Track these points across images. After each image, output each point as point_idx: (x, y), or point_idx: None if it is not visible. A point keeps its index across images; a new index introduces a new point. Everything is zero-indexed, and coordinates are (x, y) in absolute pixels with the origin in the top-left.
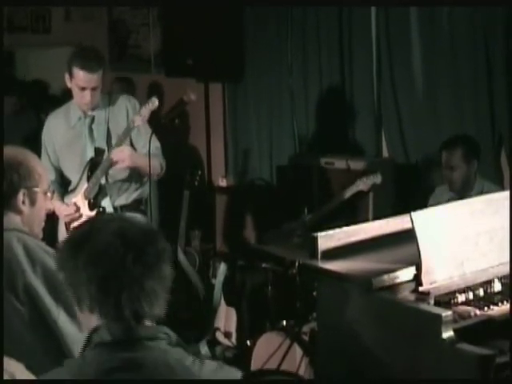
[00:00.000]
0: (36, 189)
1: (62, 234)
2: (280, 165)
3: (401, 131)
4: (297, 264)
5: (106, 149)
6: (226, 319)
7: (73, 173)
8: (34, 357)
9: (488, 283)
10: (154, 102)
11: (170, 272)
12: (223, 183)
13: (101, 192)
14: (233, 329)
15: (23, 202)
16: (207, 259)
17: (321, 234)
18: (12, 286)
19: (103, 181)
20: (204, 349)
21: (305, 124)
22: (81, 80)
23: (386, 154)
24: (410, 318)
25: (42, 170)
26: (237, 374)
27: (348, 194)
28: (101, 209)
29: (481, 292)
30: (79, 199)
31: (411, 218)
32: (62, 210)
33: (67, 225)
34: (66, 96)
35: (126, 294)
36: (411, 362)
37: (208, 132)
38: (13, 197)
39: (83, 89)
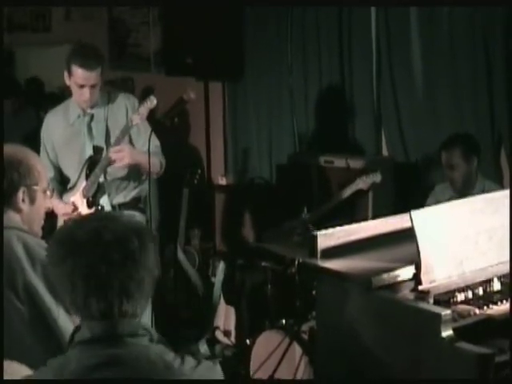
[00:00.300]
0: (36, 187)
1: None
2: (280, 163)
3: (400, 130)
4: (296, 263)
5: (105, 147)
6: (226, 318)
7: (71, 170)
8: (34, 356)
9: (487, 282)
10: (153, 101)
11: (147, 274)
12: (223, 182)
13: (99, 190)
14: (232, 327)
15: (23, 201)
16: (207, 258)
17: (320, 233)
18: (12, 285)
19: (102, 179)
20: (203, 347)
21: (304, 123)
22: (79, 77)
23: (385, 152)
24: (410, 317)
25: (42, 168)
26: (217, 368)
27: (348, 192)
28: (99, 207)
29: (480, 291)
30: (77, 197)
31: (411, 217)
32: (61, 208)
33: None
34: (66, 94)
35: (92, 292)
36: (410, 361)
37: (208, 131)
38: (13, 195)
39: (82, 86)
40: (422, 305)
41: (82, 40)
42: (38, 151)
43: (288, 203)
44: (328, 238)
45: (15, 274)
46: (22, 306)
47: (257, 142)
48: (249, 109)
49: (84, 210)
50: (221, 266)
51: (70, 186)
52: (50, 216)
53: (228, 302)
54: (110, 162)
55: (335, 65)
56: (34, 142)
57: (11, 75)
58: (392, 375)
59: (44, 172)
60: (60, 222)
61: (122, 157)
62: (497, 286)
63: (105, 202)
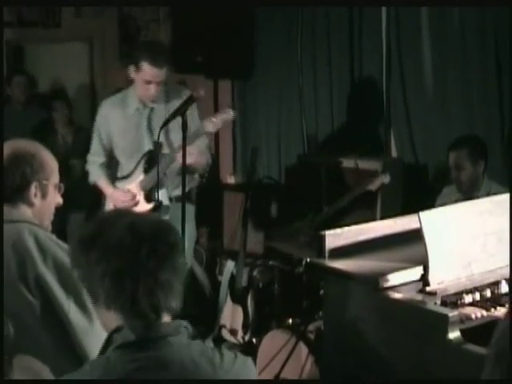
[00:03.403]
0: (47, 182)
1: None
2: (288, 163)
3: (410, 131)
4: (304, 262)
5: (165, 142)
6: (232, 316)
7: (126, 159)
8: (46, 349)
9: (495, 284)
10: (230, 114)
11: (183, 264)
12: (231, 180)
13: (157, 184)
14: (238, 326)
15: (35, 195)
16: (214, 256)
17: (329, 233)
18: (23, 278)
19: (161, 174)
20: (210, 346)
21: (313, 123)
22: (148, 74)
23: (394, 153)
24: (417, 318)
25: (54, 164)
26: (250, 362)
27: (356, 193)
28: (158, 203)
29: (488, 293)
30: (134, 187)
31: (419, 218)
32: (118, 195)
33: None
34: (75, 89)
35: (141, 288)
36: (417, 362)
37: None
38: (25, 189)
39: (149, 82)
40: (430, 306)
41: (93, 37)
42: (49, 145)
43: (296, 203)
44: (336, 237)
45: (26, 268)
46: (34, 299)
47: (266, 141)
48: (258, 108)
49: (142, 202)
50: (228, 265)
51: (124, 174)
52: (61, 211)
53: (235, 301)
54: (175, 160)
55: (345, 64)
56: (44, 136)
57: (22, 70)
58: (398, 376)
59: (55, 167)
60: (108, 206)
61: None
62: (505, 288)
63: (163, 195)
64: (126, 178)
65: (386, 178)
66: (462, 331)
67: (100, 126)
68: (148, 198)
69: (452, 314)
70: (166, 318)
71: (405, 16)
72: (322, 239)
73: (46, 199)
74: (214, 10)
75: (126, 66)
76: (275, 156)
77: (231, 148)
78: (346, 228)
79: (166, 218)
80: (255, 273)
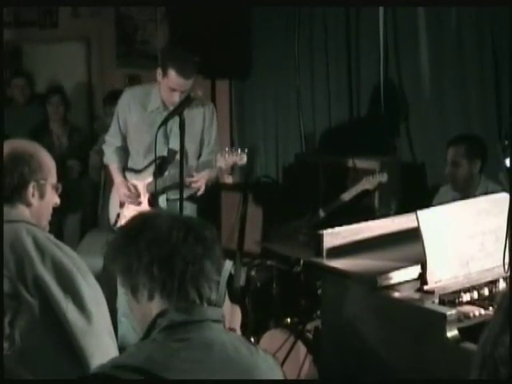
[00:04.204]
0: (45, 182)
1: (114, 207)
2: (286, 162)
3: (407, 130)
4: (302, 262)
5: (179, 149)
6: (231, 316)
7: (135, 151)
8: (44, 349)
9: (493, 283)
10: (243, 159)
11: (221, 259)
12: (229, 180)
13: (162, 190)
14: (237, 326)
15: (33, 195)
16: None
17: (326, 232)
18: (22, 278)
19: (170, 182)
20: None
21: (311, 122)
22: (174, 83)
23: (400, 152)
24: (415, 317)
25: (52, 164)
26: (273, 360)
27: (354, 192)
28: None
29: (486, 291)
30: (140, 185)
31: (417, 217)
32: (124, 192)
33: (121, 203)
34: (72, 89)
35: (189, 272)
36: (415, 361)
37: None
38: (23, 189)
39: (173, 90)
40: (428, 305)
41: (90, 37)
42: (47, 143)
43: (294, 202)
44: (334, 237)
45: (25, 268)
46: (32, 298)
47: (263, 141)
48: (256, 108)
49: (145, 203)
50: (226, 265)
51: (132, 166)
52: (58, 211)
53: (233, 301)
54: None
55: (342, 65)
56: (42, 134)
57: (20, 70)
58: (397, 375)
59: (53, 168)
60: (114, 198)
61: (198, 183)
62: (502, 286)
63: (163, 199)
64: (134, 171)
65: (383, 177)
66: (459, 330)
67: (120, 111)
68: (151, 202)
69: (450, 312)
70: (213, 306)
71: (402, 16)
72: (320, 238)
73: (43, 199)
74: (211, 10)
75: (123, 66)
76: (273, 155)
77: (229, 148)
78: (344, 227)
79: None
80: (253, 272)
